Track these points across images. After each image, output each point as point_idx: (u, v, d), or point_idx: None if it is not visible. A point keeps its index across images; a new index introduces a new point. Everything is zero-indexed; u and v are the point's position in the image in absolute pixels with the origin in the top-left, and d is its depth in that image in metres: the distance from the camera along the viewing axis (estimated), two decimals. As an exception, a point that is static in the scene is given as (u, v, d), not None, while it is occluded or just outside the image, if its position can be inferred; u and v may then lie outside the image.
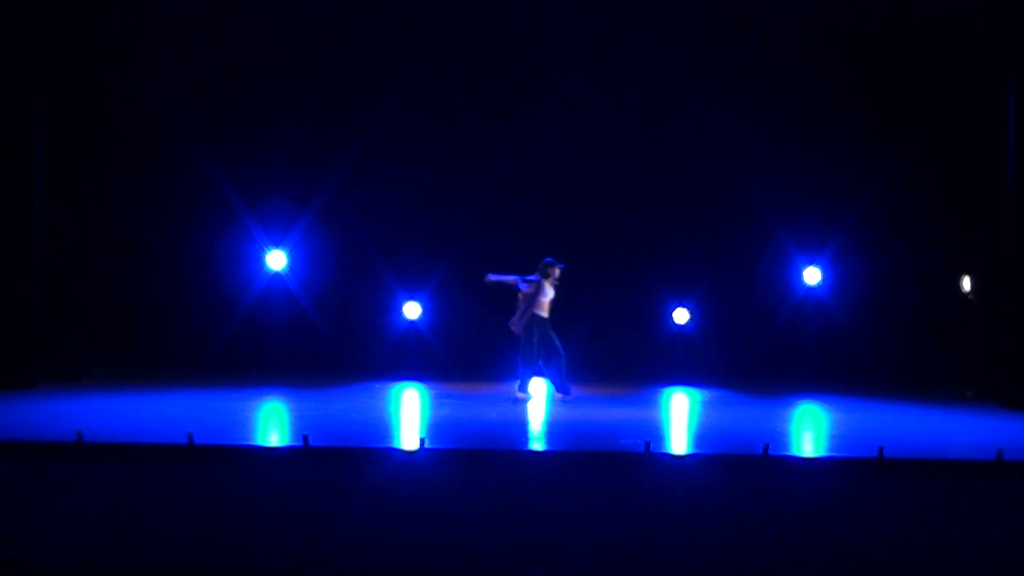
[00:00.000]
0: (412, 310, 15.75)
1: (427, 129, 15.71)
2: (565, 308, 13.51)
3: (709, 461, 8.57)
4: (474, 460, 8.51)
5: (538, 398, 13.10)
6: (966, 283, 15.03)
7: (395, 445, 8.95)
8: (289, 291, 15.69)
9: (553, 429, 10.53)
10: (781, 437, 10.06)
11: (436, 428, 10.38)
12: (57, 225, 13.87)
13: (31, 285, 13.30)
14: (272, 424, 10.75)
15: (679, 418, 11.94)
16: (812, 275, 15.69)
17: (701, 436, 10.41)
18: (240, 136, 15.55)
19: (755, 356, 15.72)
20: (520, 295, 12.93)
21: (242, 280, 15.64)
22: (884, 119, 15.42)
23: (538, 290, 12.82)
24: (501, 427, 10.49)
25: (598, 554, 8.28)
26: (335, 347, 15.74)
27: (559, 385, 12.93)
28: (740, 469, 8.46)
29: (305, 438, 8.58)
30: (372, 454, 8.59)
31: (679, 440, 9.94)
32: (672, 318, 15.90)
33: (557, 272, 12.97)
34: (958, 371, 14.88)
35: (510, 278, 13.00)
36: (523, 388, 12.92)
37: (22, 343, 13.10)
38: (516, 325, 12.85)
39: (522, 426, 10.71)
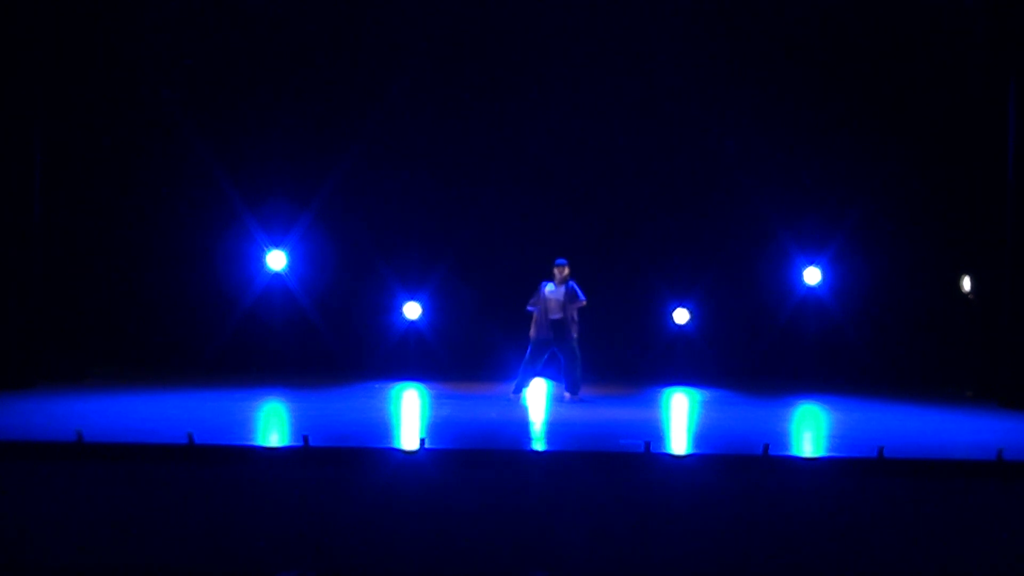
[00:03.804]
0: (412, 310, 15.74)
1: (428, 129, 15.70)
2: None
3: (709, 461, 8.57)
4: (474, 460, 8.50)
5: (535, 399, 13.09)
6: (966, 283, 15.02)
7: (395, 445, 8.95)
8: (289, 291, 15.69)
9: (553, 429, 10.53)
10: (781, 437, 10.06)
11: (436, 428, 10.38)
12: (57, 226, 13.86)
13: (31, 285, 13.29)
14: (272, 424, 10.75)
15: (679, 418, 11.94)
16: (812, 275, 15.68)
17: (701, 436, 10.40)
18: (240, 136, 15.55)
19: (755, 356, 15.72)
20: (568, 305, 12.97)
21: (242, 280, 15.64)
22: (884, 119, 15.42)
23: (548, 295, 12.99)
24: (501, 427, 10.49)
25: (598, 554, 8.27)
26: (335, 347, 15.74)
27: (569, 385, 12.96)
28: (740, 469, 8.44)
29: (305, 438, 8.57)
30: (372, 454, 8.58)
31: (679, 440, 9.93)
32: (672, 318, 15.90)
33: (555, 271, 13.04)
34: (958, 371, 14.88)
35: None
36: (518, 390, 12.91)
37: (22, 343, 13.10)
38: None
39: (522, 426, 10.70)
